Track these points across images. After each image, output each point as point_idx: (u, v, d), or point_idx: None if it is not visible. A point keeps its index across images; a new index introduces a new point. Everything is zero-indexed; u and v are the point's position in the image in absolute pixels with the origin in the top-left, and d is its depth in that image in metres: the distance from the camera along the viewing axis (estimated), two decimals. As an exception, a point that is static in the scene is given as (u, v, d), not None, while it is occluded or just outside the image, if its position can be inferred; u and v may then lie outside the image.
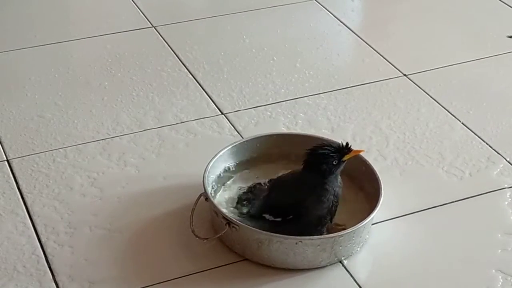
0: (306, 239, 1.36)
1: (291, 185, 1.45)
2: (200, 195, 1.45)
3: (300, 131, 1.74)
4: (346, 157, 1.40)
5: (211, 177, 1.51)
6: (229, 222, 1.38)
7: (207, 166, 1.49)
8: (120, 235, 1.46)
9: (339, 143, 1.42)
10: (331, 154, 1.39)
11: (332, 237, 1.37)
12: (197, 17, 2.24)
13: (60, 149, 1.68)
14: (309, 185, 1.40)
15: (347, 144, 1.41)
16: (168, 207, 1.53)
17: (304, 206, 1.40)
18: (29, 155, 1.67)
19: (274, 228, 1.39)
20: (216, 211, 1.41)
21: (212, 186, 1.51)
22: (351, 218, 1.45)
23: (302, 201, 1.40)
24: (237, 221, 1.38)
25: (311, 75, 1.96)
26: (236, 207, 1.50)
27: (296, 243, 1.36)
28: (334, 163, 1.39)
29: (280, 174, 1.51)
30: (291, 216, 1.41)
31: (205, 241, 1.42)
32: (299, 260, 1.38)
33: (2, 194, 1.56)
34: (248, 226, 1.38)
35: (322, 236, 1.38)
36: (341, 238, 1.37)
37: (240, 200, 1.51)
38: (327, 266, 1.40)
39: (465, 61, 2.04)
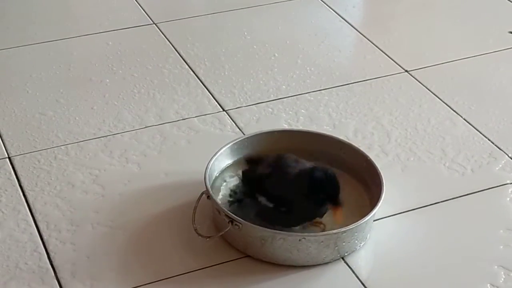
0: (310, 235, 1.36)
1: (295, 183, 1.41)
2: (202, 193, 1.45)
3: (301, 127, 1.74)
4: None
5: (213, 174, 1.51)
6: (232, 220, 1.38)
7: (208, 163, 1.49)
8: (122, 232, 1.46)
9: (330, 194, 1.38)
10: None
11: (336, 233, 1.37)
12: (198, 14, 2.24)
13: (62, 146, 1.68)
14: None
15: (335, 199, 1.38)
16: (170, 204, 1.53)
17: (303, 207, 1.39)
18: (30, 152, 1.67)
19: (267, 214, 1.40)
20: (218, 209, 1.41)
21: (213, 183, 1.51)
22: (353, 214, 1.45)
23: (302, 202, 1.39)
24: (240, 219, 1.38)
25: (312, 72, 1.96)
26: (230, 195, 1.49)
27: (300, 240, 1.36)
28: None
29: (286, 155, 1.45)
30: (284, 209, 1.40)
31: (207, 239, 1.41)
32: (303, 256, 1.38)
33: (4, 191, 1.56)
34: (251, 224, 1.37)
35: (326, 233, 1.38)
36: (344, 234, 1.37)
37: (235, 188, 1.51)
38: (329, 262, 1.40)
39: (467, 57, 2.04)
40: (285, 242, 1.36)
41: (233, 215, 1.39)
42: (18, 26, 2.16)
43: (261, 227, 1.37)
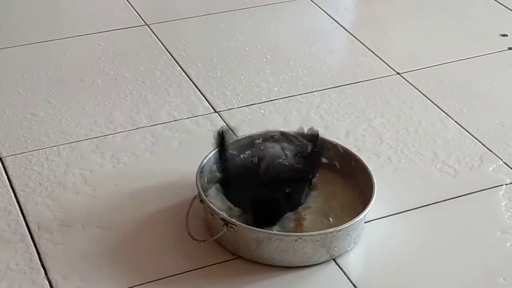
0: (306, 235, 1.37)
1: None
2: (195, 197, 1.45)
3: (293, 129, 1.74)
4: None
5: (204, 176, 1.50)
6: (226, 222, 1.38)
7: (199, 166, 1.48)
8: (113, 233, 1.46)
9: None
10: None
11: (331, 232, 1.37)
12: (190, 15, 2.24)
13: (53, 147, 1.68)
14: None
15: None
16: (161, 205, 1.53)
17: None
18: (22, 153, 1.66)
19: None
20: (212, 212, 1.40)
21: (204, 184, 1.50)
22: (344, 215, 1.45)
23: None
24: (235, 221, 1.37)
25: (304, 73, 1.97)
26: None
27: (296, 240, 1.36)
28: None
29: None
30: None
31: (201, 243, 1.41)
32: (298, 257, 1.38)
33: (-6, 192, 1.56)
34: (246, 226, 1.37)
35: (321, 232, 1.37)
36: (339, 233, 1.37)
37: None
38: (320, 263, 1.40)
39: (458, 59, 2.05)
40: (281, 243, 1.36)
41: (228, 217, 1.38)
42: (9, 27, 2.15)
43: (256, 229, 1.37)
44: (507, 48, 2.10)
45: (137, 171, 1.62)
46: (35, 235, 1.46)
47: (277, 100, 1.86)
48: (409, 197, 1.57)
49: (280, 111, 1.82)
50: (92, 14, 2.23)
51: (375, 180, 1.47)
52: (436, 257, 1.43)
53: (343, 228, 1.38)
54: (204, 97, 1.86)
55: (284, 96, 1.87)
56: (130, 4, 2.27)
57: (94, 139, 1.71)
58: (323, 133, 1.69)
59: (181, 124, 1.76)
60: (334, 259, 1.41)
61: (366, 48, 2.09)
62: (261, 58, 2.03)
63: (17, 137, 1.71)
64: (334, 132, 1.74)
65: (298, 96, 1.87)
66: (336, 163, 1.56)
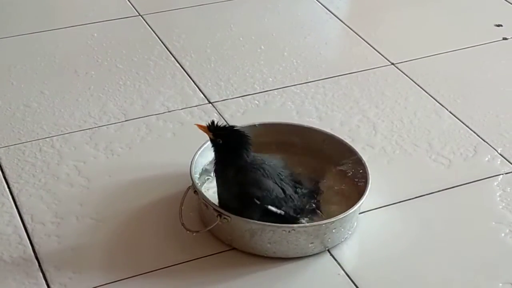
0: (300, 226, 1.36)
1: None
2: (188, 188, 1.44)
3: (287, 120, 1.73)
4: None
5: (198, 167, 1.50)
6: (220, 213, 1.37)
7: (193, 157, 1.48)
8: (107, 225, 1.46)
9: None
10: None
11: (324, 223, 1.37)
12: (184, 6, 2.23)
13: (47, 138, 1.68)
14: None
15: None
16: (155, 197, 1.52)
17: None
18: (15, 144, 1.66)
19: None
20: (206, 203, 1.40)
21: (199, 176, 1.50)
22: (339, 206, 1.45)
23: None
24: (228, 213, 1.37)
25: (298, 64, 1.96)
26: None
27: (289, 231, 1.36)
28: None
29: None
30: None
31: (194, 234, 1.41)
32: (292, 248, 1.38)
33: (-12, 183, 1.55)
34: (240, 217, 1.37)
35: (314, 223, 1.38)
36: (332, 224, 1.37)
37: None
38: (315, 254, 1.40)
39: (453, 50, 2.04)
40: (275, 234, 1.36)
41: (221, 209, 1.38)
42: (2, 18, 2.14)
43: (250, 220, 1.36)
44: (501, 38, 2.10)
45: (131, 162, 1.62)
46: (28, 227, 1.45)
47: (271, 91, 1.85)
48: (404, 188, 1.57)
49: (274, 102, 1.81)
50: (85, 4, 2.22)
51: (369, 171, 1.47)
52: (431, 247, 1.43)
53: (336, 220, 1.37)
54: (198, 88, 1.86)
55: (279, 87, 1.87)
56: (124, -5, 2.26)
57: (87, 130, 1.70)
58: (318, 124, 1.69)
59: (175, 115, 1.76)
60: (328, 250, 1.41)
61: (360, 39, 2.08)
62: (255, 49, 2.02)
63: (10, 128, 1.70)
64: (328, 123, 1.73)
65: (292, 87, 1.87)
66: (330, 154, 1.55)
